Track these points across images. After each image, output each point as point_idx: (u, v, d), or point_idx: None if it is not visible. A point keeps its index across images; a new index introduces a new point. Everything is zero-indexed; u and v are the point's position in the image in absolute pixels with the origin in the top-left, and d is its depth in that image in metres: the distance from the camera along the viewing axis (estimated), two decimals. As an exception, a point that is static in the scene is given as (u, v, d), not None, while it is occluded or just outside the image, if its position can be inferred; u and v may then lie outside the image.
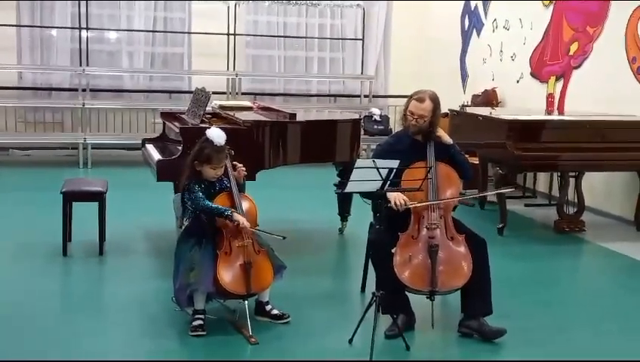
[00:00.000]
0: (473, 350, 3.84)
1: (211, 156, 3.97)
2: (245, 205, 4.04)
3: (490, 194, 3.97)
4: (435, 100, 4.17)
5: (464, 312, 4.01)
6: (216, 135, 4.02)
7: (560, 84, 7.91)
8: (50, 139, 9.78)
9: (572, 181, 6.71)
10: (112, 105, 9.90)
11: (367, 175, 3.67)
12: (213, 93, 5.49)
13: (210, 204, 3.93)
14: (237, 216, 3.89)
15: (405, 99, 4.26)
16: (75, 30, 9.89)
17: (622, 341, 4.09)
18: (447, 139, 4.23)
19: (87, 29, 9.91)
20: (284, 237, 4.01)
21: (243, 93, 10.24)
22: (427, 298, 3.91)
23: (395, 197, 3.91)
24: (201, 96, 5.48)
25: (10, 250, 5.42)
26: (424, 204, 3.98)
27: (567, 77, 7.80)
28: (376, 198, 3.92)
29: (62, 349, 3.68)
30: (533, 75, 8.41)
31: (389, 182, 3.73)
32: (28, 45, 9.86)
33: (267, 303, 4.10)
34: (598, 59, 7.32)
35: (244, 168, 4.15)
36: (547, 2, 8.14)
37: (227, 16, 10.12)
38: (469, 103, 9.13)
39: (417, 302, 4.03)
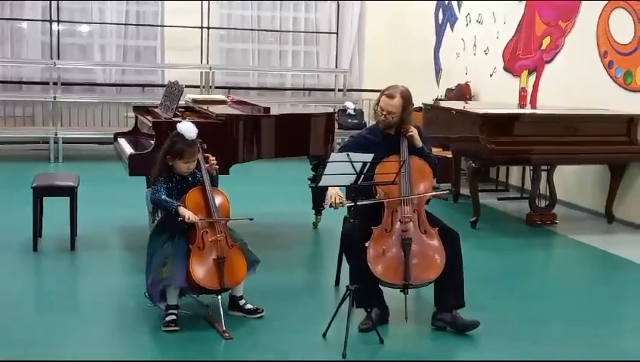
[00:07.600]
0: (447, 342, 3.86)
1: (183, 150, 3.94)
2: (218, 199, 4.01)
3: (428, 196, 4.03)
4: (406, 97, 4.13)
5: (437, 305, 4.02)
6: (188, 129, 3.99)
7: (532, 78, 7.96)
8: (20, 134, 9.65)
9: (544, 174, 6.78)
10: (84, 99, 9.80)
11: (341, 169, 3.67)
12: (187, 86, 5.46)
13: (161, 196, 3.90)
14: (182, 211, 3.84)
15: (379, 93, 4.25)
16: (46, 23, 9.77)
17: (594, 331, 4.13)
18: (417, 142, 4.16)
19: (59, 21, 9.79)
20: (251, 219, 4.01)
21: (217, 87, 10.19)
22: (401, 291, 3.92)
23: (333, 195, 3.89)
24: (174, 90, 5.43)
25: (-21, 245, 5.35)
26: (359, 202, 3.92)
27: (539, 71, 7.86)
28: (352, 191, 3.91)
29: (32, 345, 3.62)
30: (506, 69, 8.45)
31: (362, 175, 3.73)
32: (-3, 38, 9.73)
33: (241, 298, 4.08)
34: (570, 54, 7.38)
35: (215, 161, 4.12)
36: (520, -3, 8.19)
37: (200, 9, 10.05)
38: (443, 97, 9.17)
39: (391, 295, 4.04)
